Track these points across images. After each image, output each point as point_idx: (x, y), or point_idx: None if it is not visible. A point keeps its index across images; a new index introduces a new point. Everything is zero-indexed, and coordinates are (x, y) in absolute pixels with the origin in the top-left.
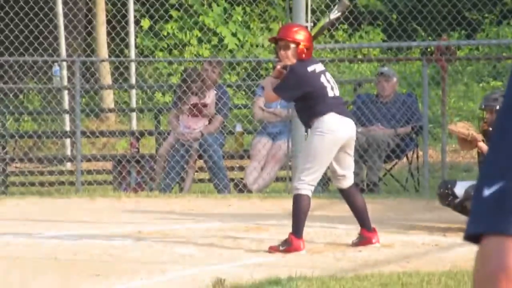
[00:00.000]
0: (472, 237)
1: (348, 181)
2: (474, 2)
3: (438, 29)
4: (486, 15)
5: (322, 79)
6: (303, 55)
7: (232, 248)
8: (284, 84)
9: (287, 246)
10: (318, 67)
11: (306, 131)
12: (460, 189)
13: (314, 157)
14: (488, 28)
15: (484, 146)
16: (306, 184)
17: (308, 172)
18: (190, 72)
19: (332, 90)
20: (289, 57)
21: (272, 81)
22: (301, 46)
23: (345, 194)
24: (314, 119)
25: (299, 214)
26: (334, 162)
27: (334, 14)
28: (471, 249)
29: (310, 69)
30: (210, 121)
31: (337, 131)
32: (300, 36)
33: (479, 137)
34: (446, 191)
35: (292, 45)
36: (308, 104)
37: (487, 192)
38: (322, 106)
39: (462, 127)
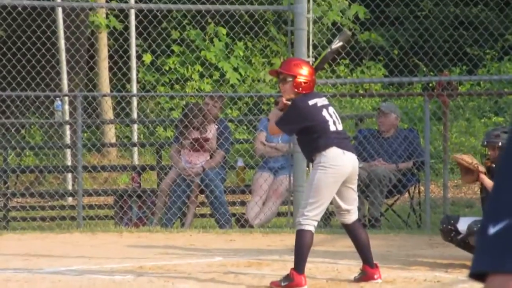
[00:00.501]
0: (477, 275)
1: (352, 216)
2: (476, 38)
3: (440, 64)
4: (488, 51)
5: (324, 113)
6: (300, 89)
7: (233, 284)
8: (284, 117)
9: (289, 282)
10: (320, 101)
11: (308, 166)
12: (462, 224)
13: (317, 192)
14: (489, 64)
15: (486, 179)
16: (309, 219)
17: (311, 207)
18: (192, 107)
19: (334, 124)
20: (287, 91)
21: (277, 113)
22: (298, 80)
23: (349, 229)
24: (316, 153)
25: (301, 249)
26: (337, 197)
27: (336, 43)
28: (474, 287)
29: (311, 102)
30: (211, 156)
31: (339, 165)
32: (298, 69)
33: (482, 168)
34: (449, 226)
35: (289, 79)
36: (310, 138)
37: (492, 230)
38: (324, 140)
39: (467, 157)
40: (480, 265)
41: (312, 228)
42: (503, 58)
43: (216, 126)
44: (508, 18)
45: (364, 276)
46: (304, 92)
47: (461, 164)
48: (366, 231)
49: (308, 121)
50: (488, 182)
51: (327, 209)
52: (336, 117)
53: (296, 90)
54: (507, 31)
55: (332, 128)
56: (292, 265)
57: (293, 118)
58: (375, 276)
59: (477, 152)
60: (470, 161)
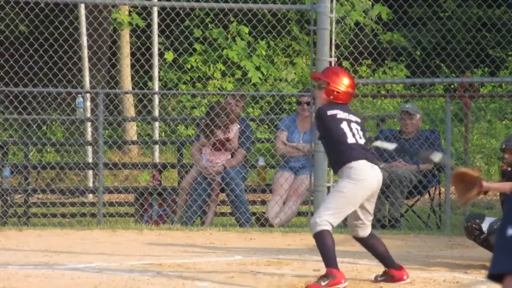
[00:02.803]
0: (495, 276)
1: (368, 229)
2: (498, 40)
3: (462, 66)
4: (510, 52)
5: (343, 125)
6: (332, 97)
7: (252, 283)
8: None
9: (331, 280)
10: (343, 114)
11: (329, 166)
12: (487, 224)
13: (343, 202)
14: (511, 66)
15: (493, 184)
16: (327, 222)
17: (332, 213)
18: (214, 106)
19: (354, 137)
20: (319, 97)
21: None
22: (331, 87)
23: (365, 242)
24: (346, 164)
25: (326, 248)
26: (359, 210)
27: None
28: (493, 287)
29: (330, 112)
30: (233, 155)
31: (368, 179)
32: (335, 77)
33: (484, 180)
34: (474, 225)
35: (323, 85)
36: (332, 149)
37: (510, 231)
38: (353, 152)
39: (466, 169)
40: (498, 267)
41: (329, 228)
42: None
43: (238, 125)
44: None
45: (393, 279)
46: (334, 101)
47: (464, 176)
48: (381, 239)
49: (324, 130)
50: (497, 185)
51: None
52: (359, 132)
53: (327, 97)
54: None
55: (351, 140)
56: (324, 266)
57: (316, 125)
58: (404, 277)
59: (497, 154)
60: (472, 172)
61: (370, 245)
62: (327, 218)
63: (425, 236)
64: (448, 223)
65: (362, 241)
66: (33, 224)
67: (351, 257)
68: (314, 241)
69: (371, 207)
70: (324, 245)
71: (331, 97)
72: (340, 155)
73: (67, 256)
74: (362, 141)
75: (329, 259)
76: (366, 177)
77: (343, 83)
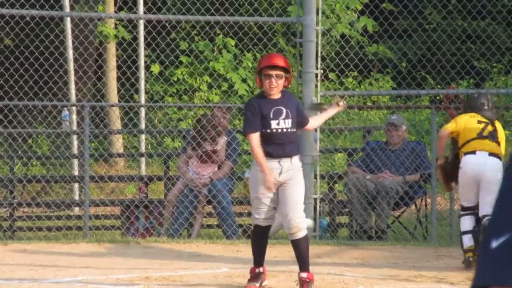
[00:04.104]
0: None
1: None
2: (483, 52)
3: (447, 77)
4: (495, 64)
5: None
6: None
7: None
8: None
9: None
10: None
11: (316, 178)
12: None
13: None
14: (496, 77)
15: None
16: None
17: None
18: (200, 118)
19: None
20: (280, 86)
21: None
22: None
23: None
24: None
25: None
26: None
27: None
28: None
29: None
30: (219, 167)
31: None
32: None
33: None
34: None
35: (287, 75)
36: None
37: (494, 244)
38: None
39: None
40: (482, 279)
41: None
42: (510, 72)
43: (225, 138)
44: None
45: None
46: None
47: (447, 168)
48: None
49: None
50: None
51: (333, 220)
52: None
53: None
54: None
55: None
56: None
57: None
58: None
59: None
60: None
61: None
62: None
63: (411, 247)
64: (435, 234)
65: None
66: (18, 238)
67: (337, 269)
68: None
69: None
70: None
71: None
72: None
73: (53, 270)
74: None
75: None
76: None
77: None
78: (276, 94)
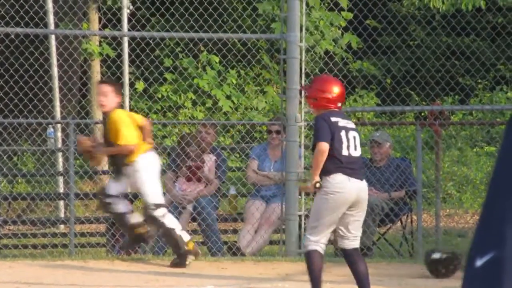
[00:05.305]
0: None
1: (351, 243)
2: (468, 68)
3: (432, 94)
4: (480, 80)
5: (342, 134)
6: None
7: None
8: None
9: None
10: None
11: (300, 194)
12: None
13: (317, 217)
14: (481, 94)
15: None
16: (312, 242)
17: (313, 231)
18: (185, 135)
19: (348, 149)
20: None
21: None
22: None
23: (347, 256)
24: (322, 177)
25: (312, 272)
26: (339, 222)
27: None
28: None
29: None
30: (205, 185)
31: (342, 192)
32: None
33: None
34: None
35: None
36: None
37: (479, 262)
38: (332, 165)
39: None
40: None
41: (317, 248)
42: (495, 88)
43: (210, 154)
44: (500, 48)
45: None
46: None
47: None
48: (365, 262)
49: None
50: None
51: None
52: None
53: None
54: (499, 61)
55: (352, 152)
56: None
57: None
58: None
59: (469, 182)
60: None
61: (351, 262)
62: (310, 238)
63: (397, 264)
64: (421, 251)
65: (344, 252)
66: (4, 255)
67: (323, 286)
68: None
69: (349, 220)
70: (310, 268)
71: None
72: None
73: (38, 287)
74: (356, 153)
75: (313, 283)
76: (340, 190)
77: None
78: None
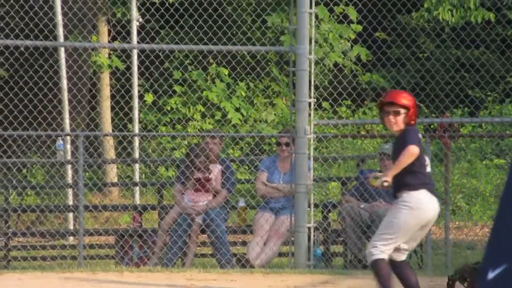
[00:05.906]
0: None
1: (403, 256)
2: (477, 80)
3: (441, 106)
4: (489, 93)
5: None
6: (412, 121)
7: None
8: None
9: None
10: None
11: (309, 206)
12: None
13: (396, 230)
14: (490, 106)
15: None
16: (381, 251)
17: (386, 242)
18: (193, 147)
19: (427, 166)
20: (398, 123)
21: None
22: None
23: (396, 267)
24: (406, 190)
25: (382, 279)
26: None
27: None
28: None
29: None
30: (214, 196)
31: (425, 209)
32: (410, 101)
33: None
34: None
35: (403, 110)
36: (404, 173)
37: (491, 275)
38: (417, 181)
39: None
40: None
41: (385, 256)
42: (504, 100)
43: (219, 166)
44: (510, 60)
45: None
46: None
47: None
48: (415, 273)
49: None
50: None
51: (329, 249)
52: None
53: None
54: (509, 74)
55: (428, 169)
56: None
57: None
58: None
59: (478, 194)
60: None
61: (402, 273)
62: (381, 248)
63: None
64: (430, 263)
65: (393, 264)
66: (13, 267)
67: None
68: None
69: (419, 235)
70: (378, 275)
71: (412, 121)
72: (404, 181)
73: None
74: (428, 169)
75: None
76: (424, 207)
77: (415, 104)
78: (396, 131)
